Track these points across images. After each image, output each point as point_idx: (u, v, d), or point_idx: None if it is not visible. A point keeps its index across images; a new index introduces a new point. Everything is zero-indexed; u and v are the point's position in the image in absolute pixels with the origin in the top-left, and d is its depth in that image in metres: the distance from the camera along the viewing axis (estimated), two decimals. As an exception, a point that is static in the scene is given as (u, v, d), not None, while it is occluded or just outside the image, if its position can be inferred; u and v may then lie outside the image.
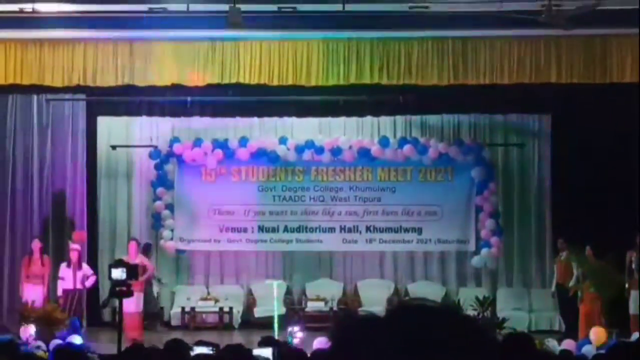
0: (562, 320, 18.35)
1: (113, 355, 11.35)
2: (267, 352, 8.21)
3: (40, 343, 13.94)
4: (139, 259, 17.05)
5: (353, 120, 20.04)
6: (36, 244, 17.45)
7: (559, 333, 17.28)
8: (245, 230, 19.97)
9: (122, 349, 10.59)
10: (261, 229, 19.95)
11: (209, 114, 19.98)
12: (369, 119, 20.05)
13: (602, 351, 12.78)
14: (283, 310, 18.47)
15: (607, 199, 17.86)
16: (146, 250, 18.42)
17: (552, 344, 14.28)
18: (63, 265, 17.26)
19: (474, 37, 16.10)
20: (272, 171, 19.94)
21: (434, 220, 19.82)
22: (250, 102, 19.05)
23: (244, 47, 16.31)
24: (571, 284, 17.44)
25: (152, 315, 18.68)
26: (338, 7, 14.36)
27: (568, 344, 14.67)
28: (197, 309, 19.33)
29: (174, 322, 19.52)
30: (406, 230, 19.89)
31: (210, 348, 7.78)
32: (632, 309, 16.49)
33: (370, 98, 18.44)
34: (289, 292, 19.93)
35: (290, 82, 16.46)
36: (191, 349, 7.73)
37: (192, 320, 19.24)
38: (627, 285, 16.66)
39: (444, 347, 1.93)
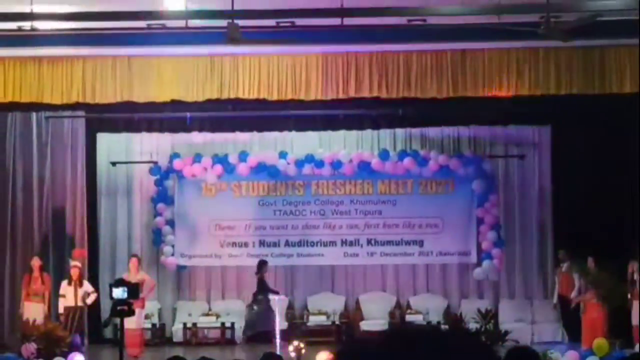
0: (565, 332, 18.32)
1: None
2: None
3: (41, 361, 13.93)
4: (140, 275, 17.04)
5: (353, 133, 20.04)
6: (36, 262, 17.42)
7: (562, 344, 17.24)
8: (246, 245, 19.95)
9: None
10: (262, 243, 19.93)
11: (209, 130, 19.98)
12: (368, 132, 20.04)
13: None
14: (285, 324, 18.44)
15: (608, 209, 17.83)
16: None
17: (555, 355, 14.26)
18: (64, 282, 17.23)
19: (473, 49, 16.11)
20: (272, 186, 19.93)
21: (435, 232, 19.79)
22: (250, 117, 19.06)
23: (242, 62, 16.31)
24: (573, 294, 17.41)
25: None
26: (336, 21, 14.34)
27: (571, 356, 14.66)
28: (198, 325, 19.30)
29: (175, 339, 19.47)
30: (407, 243, 19.87)
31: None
32: (635, 320, 16.45)
33: (369, 111, 18.46)
34: (290, 306, 19.91)
35: (289, 97, 16.46)
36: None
37: (193, 336, 19.20)
38: (629, 296, 16.63)
39: None
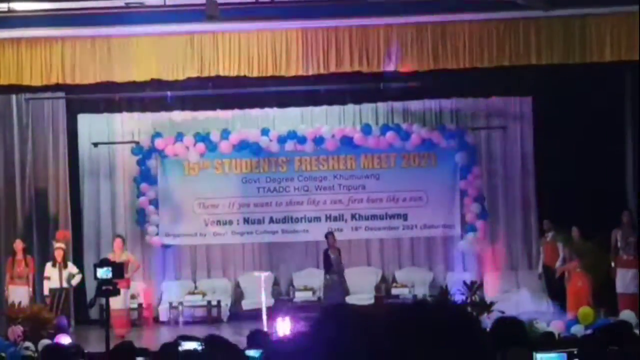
0: (550, 301, 18.38)
1: (102, 353, 11.32)
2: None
3: (29, 344, 13.91)
4: (124, 256, 17.02)
5: (335, 109, 20.02)
6: (19, 245, 17.37)
7: (547, 314, 17.30)
8: (230, 222, 19.94)
9: (111, 346, 10.55)
10: (246, 221, 19.93)
11: (190, 108, 19.93)
12: (350, 107, 20.03)
13: (590, 331, 12.84)
14: (271, 301, 18.46)
15: (591, 178, 17.88)
16: None
17: (541, 325, 14.32)
18: (48, 264, 17.20)
19: (453, 21, 16.06)
20: (255, 163, 19.91)
21: (419, 206, 19.83)
22: (231, 95, 19.00)
23: (222, 39, 16.22)
24: (558, 264, 17.47)
25: None
26: (315, -4, 14.31)
27: (556, 325, 14.73)
28: (184, 304, 19.30)
29: (162, 318, 19.47)
30: (391, 216, 19.90)
31: (199, 343, 7.73)
32: (619, 288, 16.54)
33: (351, 86, 18.42)
34: (276, 283, 19.94)
35: (270, 73, 16.39)
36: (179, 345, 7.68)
37: (180, 315, 19.19)
38: (613, 264, 16.71)
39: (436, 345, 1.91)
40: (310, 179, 19.99)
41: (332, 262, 17.82)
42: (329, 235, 18.16)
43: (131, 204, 20.06)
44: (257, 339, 8.65)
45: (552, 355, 6.97)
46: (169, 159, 19.78)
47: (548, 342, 10.02)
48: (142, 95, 19.06)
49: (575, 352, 7.20)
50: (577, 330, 14.40)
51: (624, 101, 18.19)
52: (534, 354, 6.74)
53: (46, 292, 16.98)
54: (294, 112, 19.96)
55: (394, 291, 19.47)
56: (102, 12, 15.56)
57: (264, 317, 16.32)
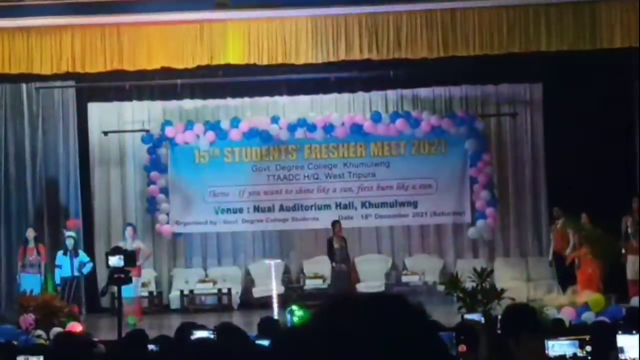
0: (561, 288, 18.38)
1: (113, 341, 11.36)
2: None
3: (40, 332, 13.96)
4: (135, 244, 17.06)
5: (344, 96, 20.02)
6: (30, 233, 17.44)
7: (557, 301, 17.29)
8: (240, 210, 19.96)
9: (122, 334, 10.59)
10: (257, 209, 19.94)
11: (200, 96, 19.96)
12: (360, 94, 20.03)
13: (602, 317, 12.85)
14: (281, 289, 18.49)
15: (601, 165, 17.86)
16: None
17: (551, 312, 14.32)
18: (59, 253, 17.26)
19: (463, 8, 16.04)
20: (265, 151, 19.91)
21: (429, 193, 19.80)
22: (241, 83, 19.01)
23: (232, 27, 16.23)
24: (568, 251, 17.46)
25: None
26: (325, -17, 14.31)
27: (567, 312, 14.72)
28: (195, 292, 19.33)
29: (172, 306, 19.51)
30: (401, 204, 19.89)
31: (211, 332, 7.77)
32: (630, 274, 16.53)
33: (360, 74, 18.40)
34: (286, 271, 19.96)
35: (280, 61, 16.40)
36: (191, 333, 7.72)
37: (191, 303, 19.23)
38: (623, 251, 16.70)
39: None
40: (320, 167, 19.99)
41: (334, 251, 17.75)
42: (335, 223, 18.09)
43: (141, 193, 20.10)
44: (268, 326, 8.69)
45: (564, 342, 6.99)
46: (179, 147, 19.79)
47: (558, 329, 10.03)
48: (152, 84, 19.07)
49: (587, 339, 7.21)
50: (588, 317, 14.39)
51: (633, 87, 18.14)
52: (546, 341, 6.75)
53: (58, 280, 17.04)
54: (303, 99, 19.96)
55: (404, 279, 19.47)
56: (112, 0, 15.58)
57: (275, 304, 16.35)
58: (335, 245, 17.76)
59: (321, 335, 1.94)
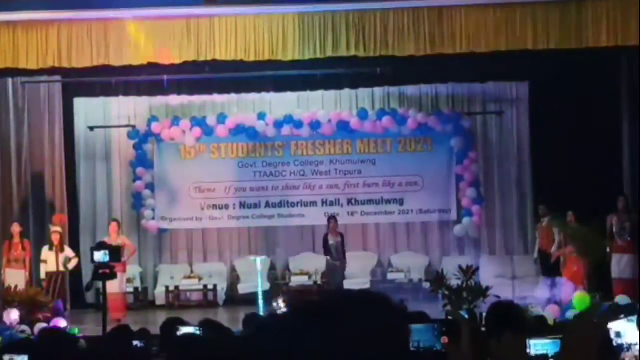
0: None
1: (98, 337, 11.34)
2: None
3: (24, 327, 13.92)
4: (120, 240, 17.02)
5: (331, 93, 20.02)
6: (15, 228, 17.37)
7: (542, 299, 17.33)
8: (226, 207, 19.96)
9: (107, 329, 10.57)
10: (242, 205, 19.94)
11: (186, 92, 19.92)
12: (346, 91, 20.03)
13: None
14: (267, 285, 18.49)
15: (587, 164, 17.90)
16: None
17: (536, 309, 14.34)
18: (44, 248, 17.21)
19: (450, 5, 16.04)
20: (251, 147, 19.91)
21: (414, 190, 19.84)
22: (227, 79, 18.98)
23: (219, 23, 16.19)
24: (553, 249, 17.50)
25: None
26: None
27: (552, 309, 14.76)
28: (180, 288, 19.33)
29: (158, 302, 19.50)
30: (387, 201, 19.92)
31: (196, 327, 7.76)
32: (614, 273, 16.57)
33: (347, 70, 18.40)
34: (272, 267, 19.97)
35: (266, 57, 16.36)
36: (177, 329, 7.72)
37: (176, 299, 19.22)
38: (608, 249, 16.74)
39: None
40: (306, 163, 20.00)
41: (329, 247, 17.77)
42: (330, 219, 18.15)
43: (127, 188, 20.07)
44: (253, 322, 8.68)
45: (546, 341, 7.00)
46: (165, 142, 19.77)
47: (541, 327, 10.03)
48: (138, 79, 19.04)
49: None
50: (572, 315, 14.42)
51: (619, 86, 18.18)
52: (528, 340, 6.75)
53: (42, 275, 16.99)
54: (290, 96, 19.95)
55: (390, 276, 19.50)
56: (98, -5, 15.52)
57: (260, 301, 16.35)
58: (330, 242, 17.77)
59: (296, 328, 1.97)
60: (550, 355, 6.86)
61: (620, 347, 7.16)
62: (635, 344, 7.18)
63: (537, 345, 6.93)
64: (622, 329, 7.34)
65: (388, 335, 2.03)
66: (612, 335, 7.03)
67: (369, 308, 2.05)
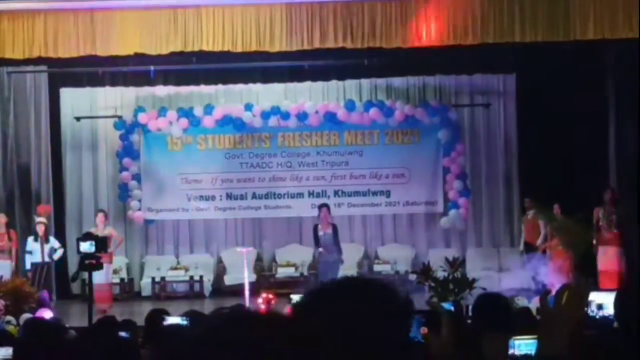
0: (532, 279, 18.43)
1: (85, 328, 11.31)
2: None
3: (10, 318, 13.86)
4: (107, 231, 16.99)
5: (318, 84, 20.00)
6: (1, 219, 17.31)
7: (529, 291, 17.36)
8: (213, 198, 19.93)
9: (93, 320, 10.55)
10: (229, 196, 19.91)
11: (173, 83, 19.88)
12: (334, 83, 20.01)
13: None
14: (253, 277, 18.47)
15: (573, 156, 17.95)
16: None
17: (522, 302, 14.36)
18: (30, 239, 17.16)
19: (437, -3, 16.02)
20: (238, 138, 19.88)
21: (401, 182, 19.84)
22: (215, 70, 18.94)
23: (206, 14, 16.15)
24: (539, 242, 17.54)
25: None
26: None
27: (537, 301, 14.77)
28: (167, 279, 19.31)
29: (144, 293, 19.48)
30: (374, 193, 19.92)
31: (184, 318, 7.76)
32: (600, 265, 16.61)
33: (335, 62, 18.38)
34: (259, 258, 19.94)
35: (254, 48, 16.33)
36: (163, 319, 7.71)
37: (162, 290, 19.20)
38: (594, 242, 16.78)
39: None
40: (294, 155, 19.98)
41: (319, 238, 16.54)
42: (320, 207, 16.98)
43: (114, 179, 20.02)
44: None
45: (530, 340, 6.98)
46: (152, 133, 19.72)
47: (525, 318, 10.02)
48: (125, 70, 18.99)
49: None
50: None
51: (606, 79, 18.22)
52: (512, 341, 6.72)
53: (28, 266, 16.95)
54: (277, 87, 19.92)
55: (377, 268, 19.51)
56: (85, -15, 15.46)
57: (247, 292, 16.33)
58: (320, 233, 16.54)
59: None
60: (534, 354, 6.84)
61: (604, 320, 7.19)
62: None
63: (521, 346, 6.91)
64: (605, 302, 7.36)
65: (395, 324, 2.08)
66: (594, 307, 7.07)
67: (384, 292, 2.11)
